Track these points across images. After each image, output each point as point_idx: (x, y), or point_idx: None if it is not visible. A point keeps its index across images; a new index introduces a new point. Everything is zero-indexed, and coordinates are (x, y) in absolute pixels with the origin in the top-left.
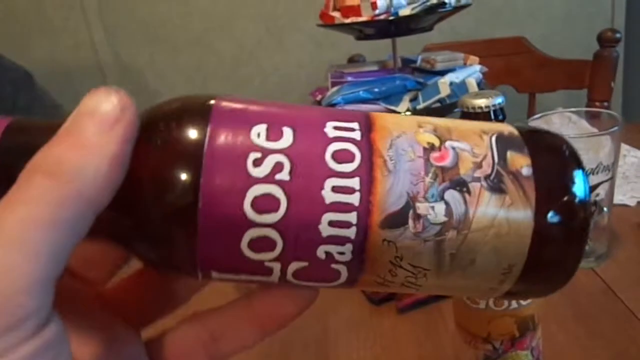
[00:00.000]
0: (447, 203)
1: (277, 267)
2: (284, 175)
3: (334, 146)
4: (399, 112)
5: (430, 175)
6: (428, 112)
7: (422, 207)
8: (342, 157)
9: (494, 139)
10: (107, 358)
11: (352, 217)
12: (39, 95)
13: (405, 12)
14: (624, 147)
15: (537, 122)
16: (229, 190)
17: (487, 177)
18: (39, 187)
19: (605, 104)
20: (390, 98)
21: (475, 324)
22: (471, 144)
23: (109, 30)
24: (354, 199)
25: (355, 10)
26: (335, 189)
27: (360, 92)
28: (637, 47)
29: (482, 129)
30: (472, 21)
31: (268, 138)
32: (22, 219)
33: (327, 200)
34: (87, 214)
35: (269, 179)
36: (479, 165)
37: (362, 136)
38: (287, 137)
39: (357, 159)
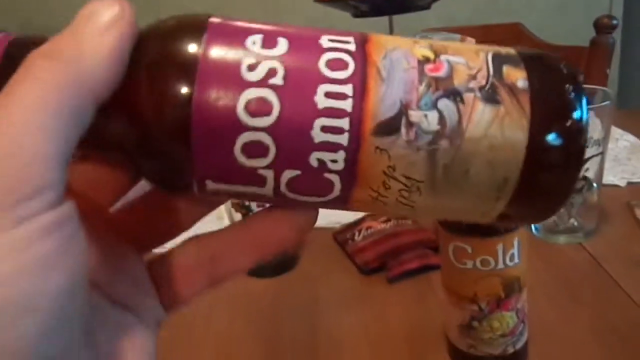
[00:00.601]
0: (440, 112)
1: (270, 175)
2: (277, 80)
3: (328, 55)
4: None
5: (424, 84)
6: None
7: (414, 115)
8: (335, 65)
9: (490, 54)
10: (110, 274)
11: (344, 123)
12: None
13: None
14: (617, 131)
15: None
16: (224, 94)
17: (481, 88)
18: (39, 68)
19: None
20: None
21: (462, 285)
22: (466, 58)
23: None
24: (347, 105)
25: None
26: (328, 95)
27: None
28: (634, 35)
29: (479, 48)
30: (469, 9)
31: (263, 46)
32: (26, 104)
33: (320, 106)
34: (87, 102)
35: (262, 83)
36: (473, 77)
37: (356, 47)
38: (282, 45)
39: (350, 67)
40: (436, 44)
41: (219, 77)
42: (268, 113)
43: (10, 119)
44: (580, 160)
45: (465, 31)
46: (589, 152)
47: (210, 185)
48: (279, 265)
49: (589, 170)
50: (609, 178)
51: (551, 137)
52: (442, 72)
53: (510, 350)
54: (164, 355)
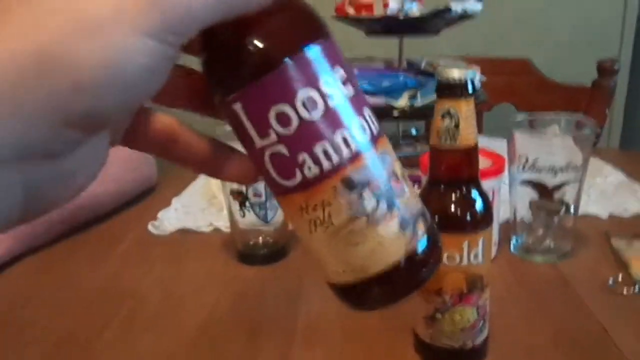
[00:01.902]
0: (379, 206)
1: (273, 138)
2: (318, 111)
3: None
4: (398, 107)
5: (389, 185)
6: (425, 108)
7: (369, 195)
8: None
9: (418, 209)
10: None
11: (337, 159)
12: None
13: (414, 13)
14: (608, 168)
15: (525, 118)
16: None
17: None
18: None
19: (599, 129)
20: (391, 93)
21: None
22: (410, 192)
23: None
24: (346, 154)
25: (368, 7)
26: (344, 140)
27: (365, 84)
28: None
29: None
30: (481, 40)
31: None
32: None
33: (332, 138)
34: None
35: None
36: (408, 204)
37: (374, 134)
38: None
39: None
40: (405, 173)
41: (305, 74)
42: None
43: None
44: (411, 289)
45: (474, 62)
46: (566, 177)
47: (237, 107)
48: (269, 254)
49: (567, 194)
50: (592, 209)
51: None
52: (398, 188)
53: (469, 344)
54: (149, 329)
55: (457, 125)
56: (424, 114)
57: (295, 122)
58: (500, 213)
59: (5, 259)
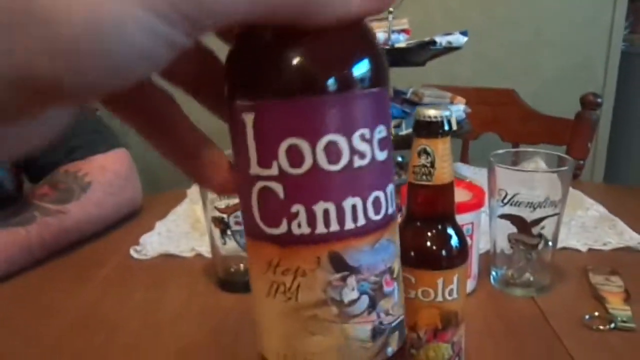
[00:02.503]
0: (359, 300)
1: (274, 172)
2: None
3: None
4: None
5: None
6: (410, 138)
7: (348, 292)
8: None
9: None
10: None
11: (335, 225)
12: None
13: (400, 45)
14: (589, 201)
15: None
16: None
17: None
18: None
19: (582, 162)
20: None
21: (405, 313)
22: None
23: None
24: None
25: None
26: (352, 207)
27: None
28: (624, 114)
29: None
30: (470, 70)
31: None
32: None
33: (337, 199)
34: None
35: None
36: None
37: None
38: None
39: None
40: (400, 273)
41: (345, 116)
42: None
43: None
44: None
45: (461, 91)
46: (544, 212)
47: (247, 117)
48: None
49: (545, 228)
50: (572, 242)
51: None
52: (388, 289)
53: None
54: (130, 355)
55: (432, 164)
56: (409, 143)
57: (307, 164)
58: (481, 244)
59: None
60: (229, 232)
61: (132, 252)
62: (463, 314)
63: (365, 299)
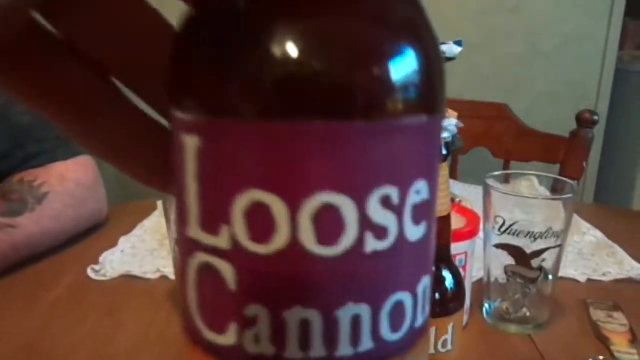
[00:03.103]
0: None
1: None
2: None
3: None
4: None
5: None
6: None
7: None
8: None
9: None
10: None
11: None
12: None
13: None
14: (585, 225)
15: (498, 179)
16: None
17: None
18: None
19: (576, 182)
20: None
21: None
22: None
23: None
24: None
25: None
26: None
27: None
28: (616, 132)
29: None
30: (461, 84)
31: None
32: None
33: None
34: None
35: None
36: None
37: None
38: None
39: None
40: None
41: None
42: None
43: None
44: None
45: (452, 104)
46: (545, 243)
47: (180, 118)
48: None
49: (546, 260)
50: (569, 271)
51: None
52: None
53: None
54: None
55: None
56: None
57: (280, 239)
58: (473, 271)
59: None
60: None
61: (89, 271)
62: None
63: None
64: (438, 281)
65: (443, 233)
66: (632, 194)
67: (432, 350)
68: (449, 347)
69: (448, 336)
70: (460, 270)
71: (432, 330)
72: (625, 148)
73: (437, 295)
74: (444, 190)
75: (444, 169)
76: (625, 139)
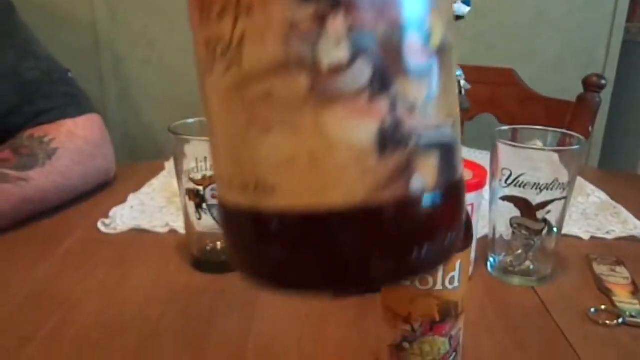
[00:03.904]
0: (352, 66)
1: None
2: None
3: None
4: None
5: None
6: None
7: (329, 45)
8: None
9: None
10: None
11: None
12: (17, 28)
13: None
14: (590, 187)
15: (507, 132)
16: None
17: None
18: None
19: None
20: None
21: (398, 302)
22: None
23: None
24: None
25: None
26: None
27: None
28: (623, 99)
29: None
30: (467, 51)
31: None
32: None
33: None
34: None
35: None
36: None
37: None
38: None
39: None
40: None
41: None
42: None
43: None
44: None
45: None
46: (552, 195)
47: None
48: (226, 262)
49: (551, 213)
50: (573, 230)
51: None
52: (421, 59)
53: None
54: (80, 345)
55: None
56: None
57: None
58: (479, 228)
59: None
60: (204, 206)
61: (99, 225)
62: (463, 305)
63: (364, 66)
64: None
65: None
66: (638, 163)
67: (440, 287)
68: (456, 284)
69: (455, 273)
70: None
71: (440, 267)
72: (631, 118)
73: None
74: None
75: None
76: (632, 108)
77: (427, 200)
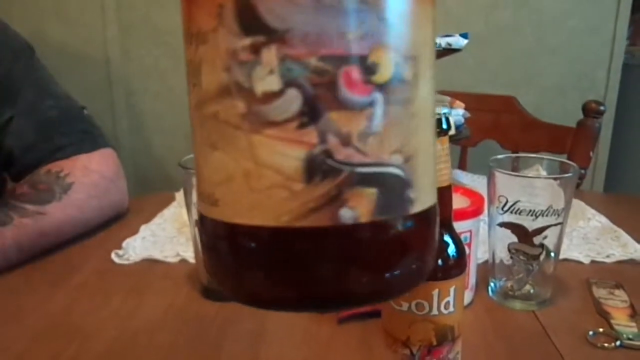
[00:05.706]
0: (282, 96)
1: None
2: None
3: None
4: None
5: None
6: None
7: (261, 74)
8: None
9: None
10: None
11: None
12: (37, 69)
13: None
14: (590, 211)
15: (507, 161)
16: None
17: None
18: None
19: (583, 171)
20: None
21: (397, 327)
22: None
23: (123, 28)
24: None
25: None
26: None
27: None
28: (625, 123)
29: None
30: (470, 77)
31: None
32: None
33: None
34: None
35: None
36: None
37: None
38: None
39: None
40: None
41: None
42: None
43: None
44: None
45: (461, 97)
46: (547, 221)
47: None
48: None
49: (548, 238)
50: (574, 254)
51: None
52: (358, 93)
53: None
54: None
55: None
56: None
57: None
58: (479, 253)
59: None
60: None
61: (113, 256)
62: (460, 329)
63: (294, 96)
64: (441, 247)
65: (445, 203)
66: None
67: (435, 312)
68: (451, 308)
69: (450, 298)
70: (465, 247)
71: (435, 293)
72: (634, 141)
73: (440, 261)
74: (445, 162)
75: (444, 142)
76: (635, 132)
77: (360, 232)
